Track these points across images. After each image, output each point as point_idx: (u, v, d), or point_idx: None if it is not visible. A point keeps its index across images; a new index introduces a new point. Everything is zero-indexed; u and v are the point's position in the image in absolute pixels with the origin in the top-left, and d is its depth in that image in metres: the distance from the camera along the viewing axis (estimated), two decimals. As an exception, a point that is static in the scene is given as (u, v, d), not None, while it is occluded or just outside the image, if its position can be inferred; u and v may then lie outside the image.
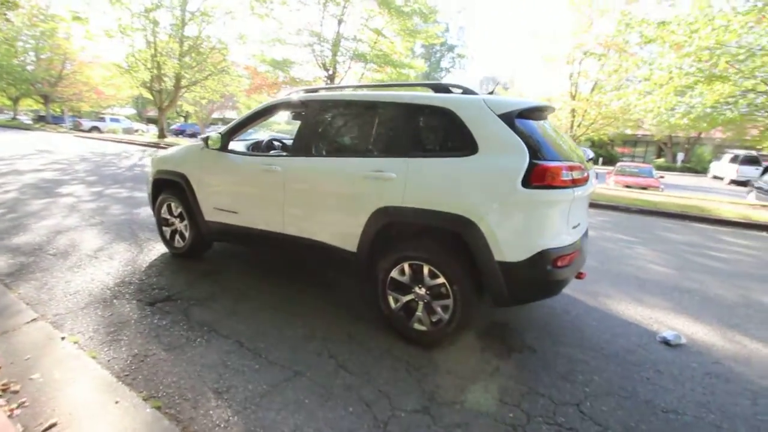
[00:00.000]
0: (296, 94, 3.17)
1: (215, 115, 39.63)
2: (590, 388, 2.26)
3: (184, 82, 20.09)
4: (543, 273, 2.21)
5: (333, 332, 2.68)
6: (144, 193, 7.14)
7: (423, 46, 17.28)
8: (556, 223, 2.22)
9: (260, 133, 6.17)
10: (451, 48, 45.24)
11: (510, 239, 2.18)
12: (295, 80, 16.35)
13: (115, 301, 2.98)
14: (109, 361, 2.27)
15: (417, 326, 2.53)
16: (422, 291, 2.49)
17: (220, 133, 3.33)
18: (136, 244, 4.29)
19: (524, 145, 2.19)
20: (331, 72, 16.49)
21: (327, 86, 3.38)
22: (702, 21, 7.94)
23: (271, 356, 2.38)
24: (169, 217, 3.88)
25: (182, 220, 3.78)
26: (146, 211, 5.75)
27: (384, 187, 2.48)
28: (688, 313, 3.31)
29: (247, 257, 4.09)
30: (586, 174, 2.32)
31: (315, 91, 3.21)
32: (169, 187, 3.81)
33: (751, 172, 19.13)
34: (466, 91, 2.55)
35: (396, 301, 2.59)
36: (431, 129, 2.52)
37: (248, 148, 3.74)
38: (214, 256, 4.00)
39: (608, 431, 1.94)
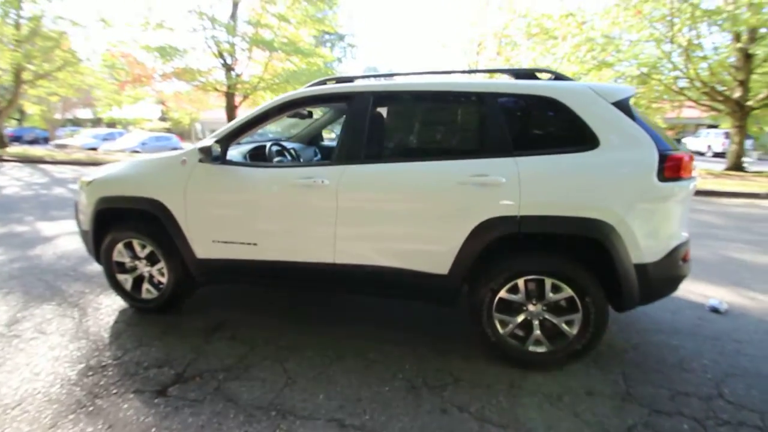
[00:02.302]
0: (327, 85, 2.48)
1: (63, 115, 32.36)
2: (711, 373, 2.24)
3: (26, 76, 15.75)
4: (675, 270, 2.09)
5: (434, 377, 2.19)
6: (30, 227, 5.28)
7: (314, 36, 16.37)
8: (683, 216, 2.10)
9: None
10: (341, 37, 44.58)
11: (648, 239, 1.99)
12: (190, 71, 14.09)
13: (98, 401, 1.99)
14: None
15: (534, 348, 2.20)
16: (537, 308, 2.17)
17: (215, 139, 2.45)
18: (69, 303, 3.05)
19: (649, 136, 2.00)
20: (230, 61, 14.65)
21: (367, 75, 2.73)
22: (600, 14, 9.09)
23: (392, 428, 1.81)
24: (127, 260, 2.81)
25: (152, 262, 2.77)
26: (50, 251, 4.23)
27: (491, 194, 2.06)
28: (699, 278, 3.63)
29: (244, 298, 3.23)
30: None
31: (349, 80, 2.55)
32: (128, 219, 2.75)
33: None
34: (558, 77, 2.26)
35: (504, 324, 2.22)
36: (537, 122, 2.18)
37: (246, 158, 2.87)
38: (196, 305, 3.05)
39: (767, 414, 1.92)
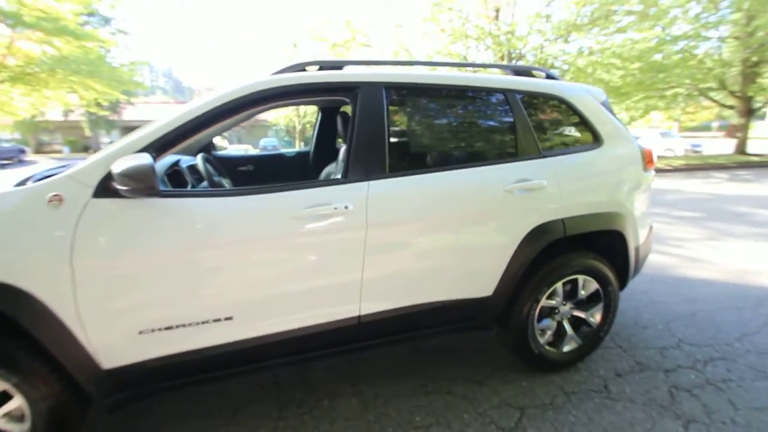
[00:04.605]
0: (315, 72, 1.74)
1: None
2: (659, 324, 2.73)
3: None
4: (650, 247, 2.44)
5: (501, 418, 1.88)
6: None
7: (75, 14, 12.35)
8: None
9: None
10: (107, 20, 35.61)
11: (641, 223, 2.24)
12: None
13: None
14: None
15: (568, 347, 2.19)
16: (566, 308, 2.17)
17: (148, 149, 1.40)
18: None
19: (629, 131, 2.24)
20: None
21: (365, 61, 1.99)
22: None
23: None
24: None
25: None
26: None
27: (537, 199, 1.89)
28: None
29: (161, 402, 2.08)
30: None
31: (337, 67, 1.86)
32: None
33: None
34: (549, 76, 2.26)
35: (544, 332, 2.13)
36: (552, 121, 2.11)
37: (164, 181, 1.75)
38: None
39: (714, 344, 2.47)
